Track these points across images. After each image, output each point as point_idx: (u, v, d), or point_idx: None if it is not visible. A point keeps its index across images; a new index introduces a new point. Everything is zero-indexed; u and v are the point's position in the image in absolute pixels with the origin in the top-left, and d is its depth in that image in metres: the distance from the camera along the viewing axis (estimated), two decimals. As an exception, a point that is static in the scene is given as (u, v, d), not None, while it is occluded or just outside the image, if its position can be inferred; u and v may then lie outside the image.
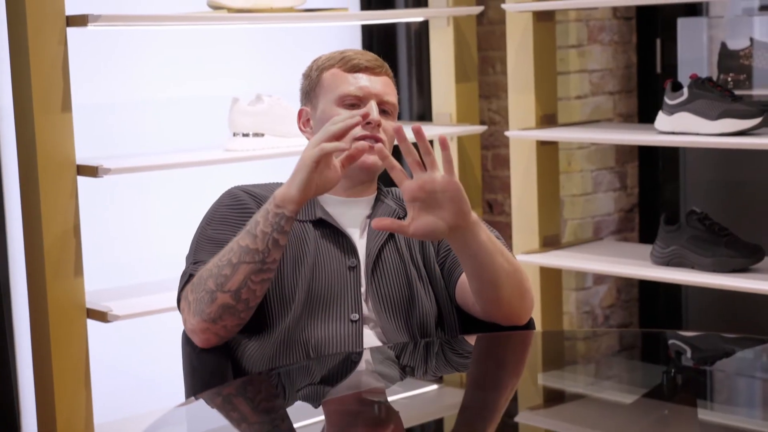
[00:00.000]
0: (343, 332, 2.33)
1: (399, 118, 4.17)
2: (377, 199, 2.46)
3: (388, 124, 2.41)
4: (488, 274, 2.26)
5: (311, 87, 2.46)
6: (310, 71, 2.48)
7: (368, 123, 2.36)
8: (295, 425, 2.06)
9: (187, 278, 2.33)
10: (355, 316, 2.35)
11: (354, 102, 2.40)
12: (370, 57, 2.44)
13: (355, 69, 2.41)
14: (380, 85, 2.42)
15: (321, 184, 2.22)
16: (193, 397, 2.27)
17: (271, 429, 2.04)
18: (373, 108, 2.38)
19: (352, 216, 2.43)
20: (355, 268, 2.38)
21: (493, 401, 2.13)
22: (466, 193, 2.20)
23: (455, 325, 2.44)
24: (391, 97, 2.43)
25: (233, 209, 2.38)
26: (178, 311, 2.36)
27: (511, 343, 2.41)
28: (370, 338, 2.36)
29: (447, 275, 2.43)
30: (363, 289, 2.37)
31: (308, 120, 2.48)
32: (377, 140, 2.37)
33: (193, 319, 2.27)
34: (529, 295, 2.34)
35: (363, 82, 2.41)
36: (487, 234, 2.24)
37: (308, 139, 2.47)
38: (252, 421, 2.09)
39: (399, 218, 2.44)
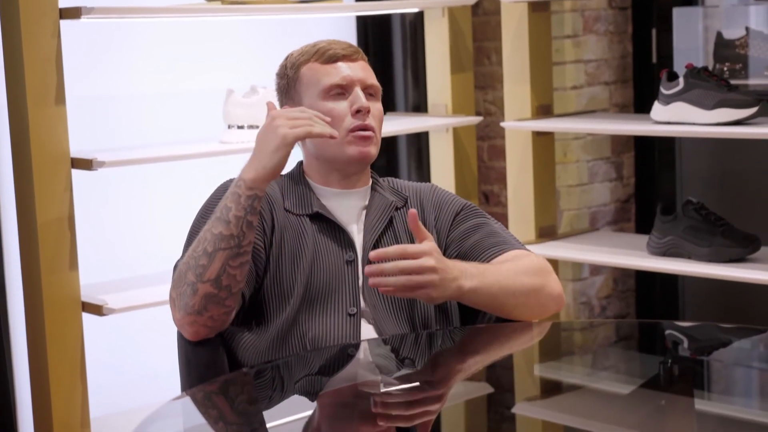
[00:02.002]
0: (341, 326, 2.33)
1: (394, 110, 4.18)
2: (372, 189, 2.45)
3: (376, 108, 2.41)
4: (500, 313, 2.34)
5: (290, 85, 2.43)
6: (285, 69, 2.45)
7: (358, 111, 2.36)
8: (288, 419, 2.06)
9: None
10: (353, 310, 2.34)
11: (340, 91, 2.38)
12: (344, 45, 2.43)
13: (333, 59, 2.40)
14: (360, 70, 2.41)
15: (282, 168, 2.23)
16: (189, 390, 2.26)
17: (249, 430, 2.04)
18: (360, 96, 2.37)
19: (349, 208, 2.42)
20: (352, 262, 2.37)
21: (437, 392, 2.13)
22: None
23: (452, 315, 2.44)
24: (373, 80, 2.43)
25: None
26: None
27: (501, 335, 2.41)
28: (369, 332, 2.35)
29: None
30: (360, 283, 2.37)
31: None
32: (368, 128, 2.36)
33: (179, 314, 2.26)
34: (550, 298, 2.35)
35: (344, 71, 2.39)
36: (488, 290, 2.27)
37: None
38: (230, 421, 2.08)
39: (397, 208, 2.44)
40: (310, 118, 2.24)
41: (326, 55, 2.40)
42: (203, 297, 2.22)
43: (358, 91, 2.38)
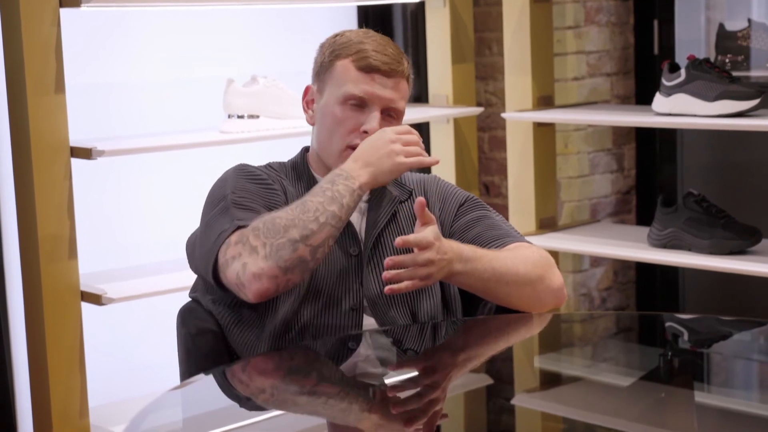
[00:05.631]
0: (343, 320, 2.32)
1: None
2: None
3: None
4: (484, 295, 2.34)
5: (322, 69, 2.40)
6: (326, 49, 2.40)
7: (365, 132, 2.33)
8: (288, 409, 2.06)
9: (234, 229, 2.23)
10: (355, 304, 2.33)
11: (358, 103, 2.35)
12: (387, 57, 2.35)
13: (367, 69, 2.34)
14: (390, 89, 2.35)
15: None
16: (188, 380, 2.26)
17: (267, 413, 2.03)
18: (373, 119, 2.33)
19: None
20: (356, 256, 2.36)
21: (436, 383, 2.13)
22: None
23: (456, 308, 2.43)
24: (399, 103, 2.37)
25: (251, 181, 2.34)
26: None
27: (499, 327, 2.41)
28: (371, 325, 2.34)
29: None
30: (364, 277, 2.36)
31: (312, 100, 2.44)
32: None
33: (265, 262, 2.17)
34: (548, 291, 2.34)
35: (372, 86, 2.33)
36: (479, 275, 2.27)
37: (309, 121, 2.43)
38: (251, 406, 2.08)
39: (401, 202, 2.44)
40: (419, 144, 2.31)
41: (364, 62, 2.34)
42: (298, 258, 2.19)
43: (375, 113, 2.34)
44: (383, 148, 2.27)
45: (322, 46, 2.42)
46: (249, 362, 2.27)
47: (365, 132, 2.32)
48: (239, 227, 2.24)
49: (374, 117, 2.33)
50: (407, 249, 2.24)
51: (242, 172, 2.37)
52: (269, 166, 2.44)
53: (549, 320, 2.50)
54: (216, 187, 2.37)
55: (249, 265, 2.18)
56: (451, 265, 2.22)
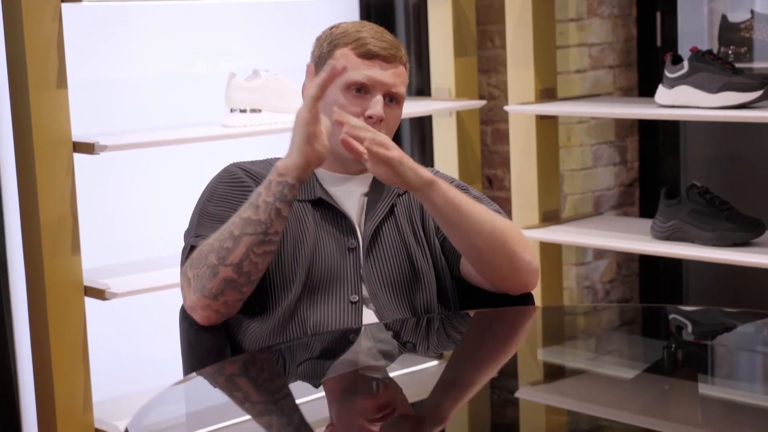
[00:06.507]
0: (343, 313, 2.32)
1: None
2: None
3: (392, 115, 2.38)
4: (457, 234, 2.28)
5: (321, 58, 2.40)
6: (324, 41, 2.41)
7: (369, 118, 2.33)
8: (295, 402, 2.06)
9: (188, 252, 2.30)
10: (354, 297, 2.33)
11: (360, 89, 2.35)
12: (386, 43, 2.37)
13: (368, 56, 2.35)
14: (390, 75, 2.36)
15: (316, 156, 2.21)
16: (191, 375, 2.26)
17: (273, 406, 2.03)
18: (377, 103, 2.33)
19: (351, 194, 2.40)
20: (355, 249, 2.36)
21: (472, 377, 2.12)
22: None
23: (454, 301, 2.43)
24: (400, 87, 2.38)
25: (232, 187, 2.36)
26: (177, 288, 2.34)
27: (508, 320, 2.40)
28: (371, 319, 2.34)
29: (450, 248, 2.40)
30: (362, 271, 2.35)
31: None
32: None
33: (194, 295, 2.24)
34: (519, 258, 2.29)
35: (372, 71, 2.35)
36: (445, 197, 2.23)
37: None
38: (255, 400, 2.08)
39: (399, 195, 2.43)
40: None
41: (363, 48, 2.35)
42: (222, 281, 2.21)
43: (378, 97, 2.34)
44: (295, 126, 2.24)
45: (318, 38, 2.43)
46: (250, 357, 2.27)
47: (369, 117, 2.33)
48: (192, 249, 2.28)
49: (377, 101, 2.34)
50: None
51: (226, 174, 2.39)
52: (267, 162, 2.44)
53: (552, 312, 2.50)
54: (202, 192, 2.40)
55: (185, 298, 2.28)
56: (428, 176, 2.23)
